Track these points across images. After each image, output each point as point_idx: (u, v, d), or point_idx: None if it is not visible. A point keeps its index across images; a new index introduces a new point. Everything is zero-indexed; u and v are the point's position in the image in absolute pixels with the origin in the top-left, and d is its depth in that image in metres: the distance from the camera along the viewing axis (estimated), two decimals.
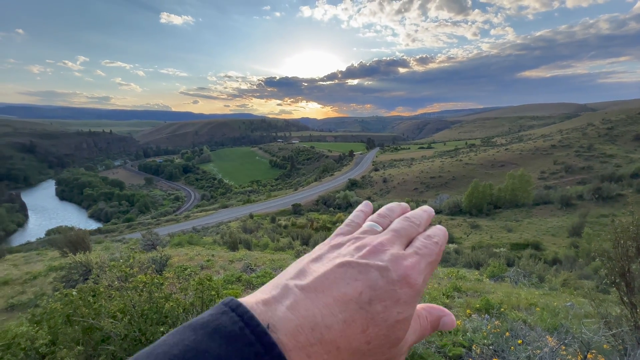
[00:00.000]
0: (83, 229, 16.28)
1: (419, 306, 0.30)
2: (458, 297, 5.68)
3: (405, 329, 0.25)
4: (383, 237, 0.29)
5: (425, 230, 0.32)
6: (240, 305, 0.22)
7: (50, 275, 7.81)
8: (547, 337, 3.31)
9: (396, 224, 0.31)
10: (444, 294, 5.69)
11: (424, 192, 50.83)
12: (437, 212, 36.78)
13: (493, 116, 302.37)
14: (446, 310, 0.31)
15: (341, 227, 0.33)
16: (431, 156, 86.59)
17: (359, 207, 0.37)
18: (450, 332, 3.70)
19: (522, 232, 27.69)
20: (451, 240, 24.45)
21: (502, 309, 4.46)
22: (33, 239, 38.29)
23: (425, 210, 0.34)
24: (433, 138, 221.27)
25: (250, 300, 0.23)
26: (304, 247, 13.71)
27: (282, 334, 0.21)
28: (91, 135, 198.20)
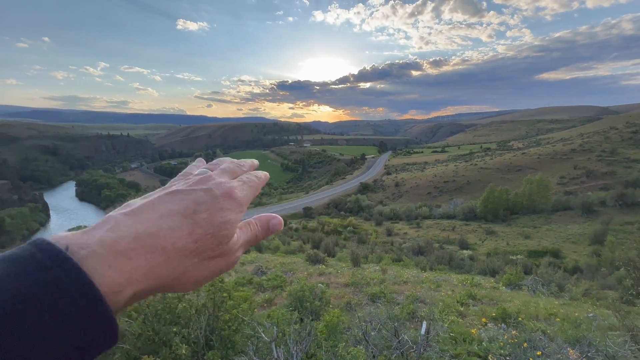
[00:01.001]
0: None
1: (253, 217, 0.37)
2: (473, 305, 5.52)
3: (231, 229, 0.30)
4: (210, 173, 0.35)
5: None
6: (39, 239, 0.23)
7: None
8: (568, 349, 3.16)
9: (223, 165, 0.38)
10: (458, 302, 5.54)
11: (438, 197, 49.95)
12: (451, 217, 36.04)
13: (509, 119, 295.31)
14: (274, 214, 0.37)
15: (174, 177, 0.37)
16: (445, 160, 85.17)
17: (193, 162, 0.42)
18: (464, 341, 3.59)
19: (540, 239, 26.77)
20: (465, 246, 23.89)
21: (519, 319, 4.30)
22: None
23: (251, 160, 0.42)
24: (447, 142, 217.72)
25: (73, 233, 0.25)
26: (315, 250, 13.68)
27: (96, 248, 0.23)
28: (110, 138, 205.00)
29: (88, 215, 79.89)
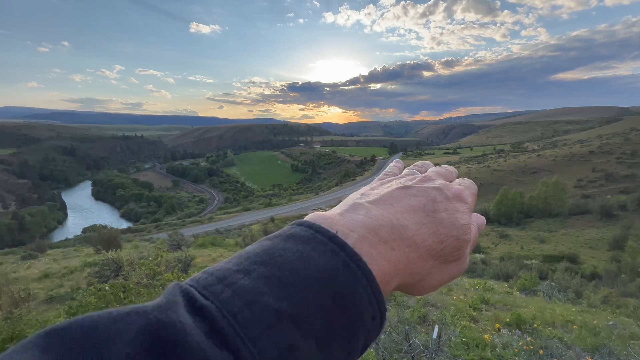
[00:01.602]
0: (115, 228, 17.22)
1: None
2: (486, 310, 5.40)
3: (469, 233, 0.28)
4: (426, 174, 0.33)
5: None
6: (306, 221, 0.24)
7: (85, 271, 8.28)
8: (587, 357, 3.06)
9: (434, 168, 0.36)
10: (470, 306, 5.43)
11: None
12: None
13: (524, 120, 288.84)
14: (478, 214, 0.34)
15: (380, 175, 0.35)
16: (457, 162, 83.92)
17: (392, 163, 0.39)
18: (477, 347, 3.51)
19: (556, 244, 26.02)
20: (478, 249, 23.43)
21: (534, 325, 4.18)
22: (71, 236, 41.00)
23: (453, 168, 0.39)
24: (459, 143, 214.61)
25: (327, 214, 0.25)
26: None
27: (365, 233, 0.23)
28: (124, 139, 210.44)
29: (103, 214, 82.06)
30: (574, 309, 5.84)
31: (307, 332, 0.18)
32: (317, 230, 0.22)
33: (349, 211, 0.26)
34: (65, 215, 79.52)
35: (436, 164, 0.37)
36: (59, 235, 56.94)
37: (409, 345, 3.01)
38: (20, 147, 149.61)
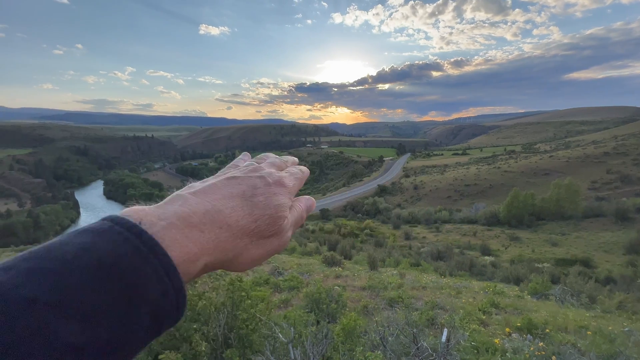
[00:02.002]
0: None
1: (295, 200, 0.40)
2: (496, 314, 5.31)
3: (284, 211, 0.34)
4: (260, 164, 0.40)
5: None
6: (111, 215, 0.26)
7: None
8: None
9: (270, 159, 0.43)
10: (480, 309, 5.34)
11: (458, 201, 48.58)
12: (473, 222, 34.91)
13: (536, 121, 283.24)
14: (308, 196, 0.42)
15: (224, 169, 0.40)
16: (466, 163, 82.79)
17: (240, 156, 0.45)
18: (487, 351, 3.45)
19: (569, 247, 25.41)
20: (487, 252, 23.05)
21: (547, 330, 4.09)
22: None
23: (292, 157, 0.47)
24: (468, 144, 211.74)
25: (145, 207, 0.28)
26: (331, 252, 13.63)
27: (174, 220, 0.26)
28: (135, 140, 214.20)
29: (114, 213, 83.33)
30: (587, 315, 5.68)
31: (68, 313, 0.18)
32: (116, 222, 0.24)
33: (168, 203, 0.29)
34: (78, 213, 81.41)
35: (298, 161, 0.47)
36: None
37: (417, 349, 2.97)
38: (35, 147, 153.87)
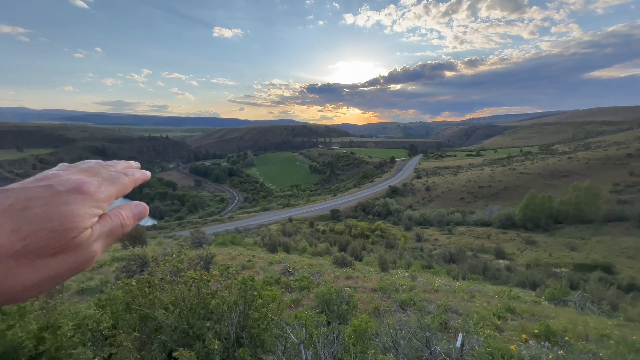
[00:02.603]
0: (141, 225, 17.96)
1: (116, 207, 0.34)
2: (511, 319, 5.16)
3: (79, 222, 0.28)
4: (60, 172, 0.32)
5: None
6: None
7: (113, 265, 8.67)
8: None
9: (83, 165, 0.36)
10: (494, 314, 5.21)
11: (472, 203, 47.58)
12: (486, 224, 34.14)
13: (554, 121, 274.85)
14: (138, 202, 0.36)
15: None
16: (480, 164, 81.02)
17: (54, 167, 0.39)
18: (503, 358, 3.35)
19: (588, 252, 24.50)
20: (502, 255, 22.48)
21: (566, 338, 3.94)
22: None
23: (129, 162, 0.40)
24: (482, 145, 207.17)
25: None
26: (342, 253, 13.58)
27: None
28: (150, 140, 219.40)
29: None
30: (609, 322, 5.46)
31: None
32: None
33: None
34: None
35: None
36: None
37: (430, 353, 2.92)
38: (57, 147, 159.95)
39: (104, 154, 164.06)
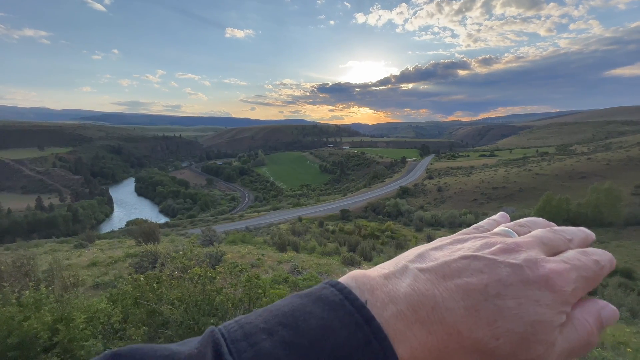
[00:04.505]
0: (154, 222, 18.40)
1: (576, 309, 0.24)
2: None
3: (548, 334, 0.21)
4: (520, 239, 0.26)
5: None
6: (339, 283, 0.23)
7: (127, 261, 8.91)
8: None
9: (539, 231, 0.27)
10: None
11: (485, 204, 46.64)
12: None
13: (572, 121, 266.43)
14: (605, 302, 0.25)
15: (466, 229, 0.30)
16: (494, 165, 79.33)
17: (493, 216, 0.33)
18: None
19: None
20: None
21: None
22: (116, 229, 44.48)
23: (581, 230, 0.29)
24: (497, 145, 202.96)
25: (371, 273, 0.24)
26: (351, 253, 13.55)
27: (404, 308, 0.21)
28: (164, 140, 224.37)
29: (144, 209, 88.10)
30: (628, 330, 5.25)
31: None
32: (346, 296, 0.21)
33: (396, 275, 0.23)
34: (112, 209, 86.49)
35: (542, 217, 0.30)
36: (106, 227, 62.11)
37: None
38: (75, 146, 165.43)
39: (120, 153, 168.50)
